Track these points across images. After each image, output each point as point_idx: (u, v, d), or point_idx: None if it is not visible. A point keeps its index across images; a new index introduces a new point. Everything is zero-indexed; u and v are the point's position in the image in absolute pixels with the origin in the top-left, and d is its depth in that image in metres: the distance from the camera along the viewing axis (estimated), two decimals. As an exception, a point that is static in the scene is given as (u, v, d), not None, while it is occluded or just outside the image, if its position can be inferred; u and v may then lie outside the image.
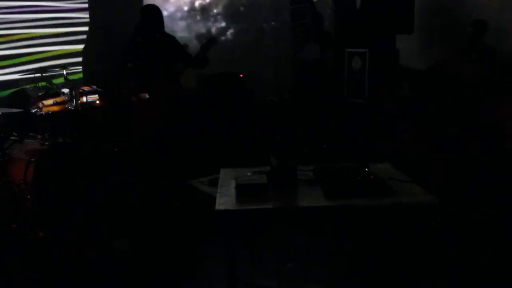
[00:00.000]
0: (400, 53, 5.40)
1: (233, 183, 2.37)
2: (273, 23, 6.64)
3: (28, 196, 3.55)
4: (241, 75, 5.70)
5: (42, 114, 4.09)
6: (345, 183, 2.33)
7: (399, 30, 5.33)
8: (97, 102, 4.84)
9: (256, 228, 3.37)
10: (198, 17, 6.47)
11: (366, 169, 2.49)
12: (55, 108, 4.18)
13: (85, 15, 5.86)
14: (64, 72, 4.45)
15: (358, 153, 4.38)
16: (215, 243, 2.34)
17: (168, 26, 5.96)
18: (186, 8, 6.42)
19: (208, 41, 4.67)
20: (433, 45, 5.82)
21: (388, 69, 5.27)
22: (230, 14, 6.55)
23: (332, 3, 6.17)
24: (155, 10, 4.61)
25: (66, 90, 4.42)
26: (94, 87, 4.69)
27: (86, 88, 4.76)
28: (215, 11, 6.52)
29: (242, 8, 6.48)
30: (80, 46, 5.82)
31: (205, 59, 4.63)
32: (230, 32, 6.69)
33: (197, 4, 6.40)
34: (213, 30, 6.60)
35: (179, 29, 6.29)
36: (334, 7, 6.10)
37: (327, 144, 4.88)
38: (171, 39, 4.67)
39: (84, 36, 5.84)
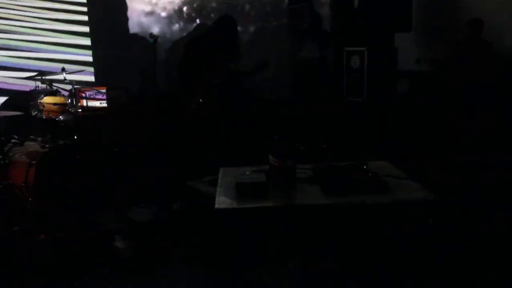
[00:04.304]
0: (398, 51, 5.41)
1: (232, 182, 2.39)
2: (271, 23, 6.65)
3: (29, 199, 3.57)
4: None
5: (43, 117, 4.11)
6: (343, 181, 2.35)
7: (397, 28, 5.34)
8: (99, 104, 4.87)
9: (256, 227, 3.38)
10: (194, 18, 6.42)
11: (364, 167, 2.51)
12: (56, 111, 4.20)
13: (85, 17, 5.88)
14: (64, 74, 4.46)
15: (356, 151, 4.40)
16: (216, 243, 2.35)
17: (162, 28, 6.02)
18: (181, 9, 6.36)
19: (261, 64, 4.78)
20: (430, 43, 5.83)
21: (386, 68, 5.29)
22: (229, 14, 6.55)
23: (330, 3, 6.18)
24: (232, 24, 4.95)
25: (67, 93, 4.45)
26: (96, 88, 4.73)
27: (87, 90, 4.81)
28: (211, 10, 6.49)
29: (239, 8, 6.48)
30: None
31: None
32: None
33: (193, 4, 6.36)
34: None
35: (174, 31, 6.26)
36: (332, 7, 6.11)
37: (326, 143, 4.89)
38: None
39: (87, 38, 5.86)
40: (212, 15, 6.21)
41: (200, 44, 5.05)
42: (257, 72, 4.89)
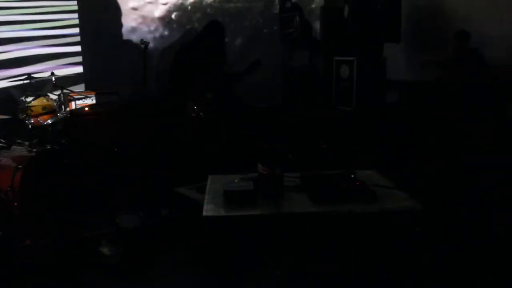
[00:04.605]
0: (387, 61, 5.45)
1: (220, 190, 2.39)
2: (263, 30, 6.68)
3: (15, 204, 3.53)
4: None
5: (31, 121, 4.08)
6: (331, 189, 2.37)
7: (386, 38, 5.39)
8: (86, 108, 4.85)
9: (244, 235, 3.38)
10: (184, 25, 6.40)
11: (352, 176, 2.52)
12: (44, 115, 4.17)
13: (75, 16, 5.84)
14: (53, 78, 4.44)
15: (345, 160, 4.42)
16: (203, 250, 2.35)
17: (150, 34, 6.02)
18: (171, 16, 6.34)
19: (254, 63, 4.80)
20: (418, 53, 5.90)
21: (376, 77, 5.33)
22: (219, 20, 6.56)
23: (320, 12, 6.23)
24: (222, 29, 5.03)
25: (55, 96, 4.43)
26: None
27: (76, 95, 4.79)
28: (201, 18, 6.49)
29: (231, 16, 6.50)
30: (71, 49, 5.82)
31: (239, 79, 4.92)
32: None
33: (184, 11, 6.35)
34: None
35: (164, 38, 6.24)
36: (322, 16, 6.16)
37: (315, 150, 4.92)
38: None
39: (77, 39, 5.82)
40: (197, 24, 6.23)
41: (190, 50, 5.08)
42: (250, 72, 4.92)
